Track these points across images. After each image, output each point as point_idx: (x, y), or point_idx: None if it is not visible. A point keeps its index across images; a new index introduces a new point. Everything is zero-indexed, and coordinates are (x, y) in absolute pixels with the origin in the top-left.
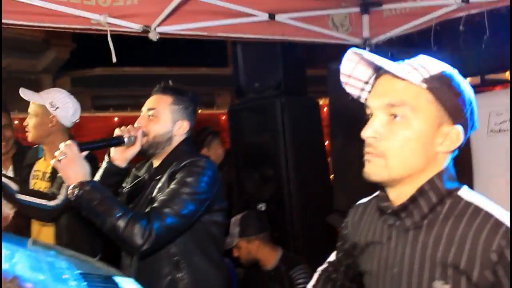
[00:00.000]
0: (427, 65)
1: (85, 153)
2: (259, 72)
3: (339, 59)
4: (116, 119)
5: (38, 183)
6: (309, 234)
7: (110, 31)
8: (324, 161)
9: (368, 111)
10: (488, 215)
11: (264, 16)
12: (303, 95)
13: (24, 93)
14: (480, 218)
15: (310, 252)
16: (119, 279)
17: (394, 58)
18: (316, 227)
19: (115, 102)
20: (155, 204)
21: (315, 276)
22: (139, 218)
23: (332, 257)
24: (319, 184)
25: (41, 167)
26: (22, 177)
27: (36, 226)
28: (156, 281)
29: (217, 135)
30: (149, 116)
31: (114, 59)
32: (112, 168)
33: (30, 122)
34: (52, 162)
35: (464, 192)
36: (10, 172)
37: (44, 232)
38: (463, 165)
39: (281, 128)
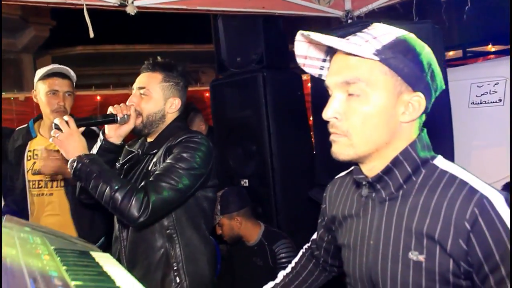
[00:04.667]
0: (380, 34)
1: (82, 129)
2: (241, 47)
3: (322, 32)
4: (98, 97)
5: (38, 162)
6: (292, 209)
7: (86, 5)
8: (307, 136)
9: (328, 90)
10: (463, 183)
11: None
12: (286, 69)
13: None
14: (454, 186)
15: (292, 226)
16: (96, 255)
17: None
18: (299, 202)
19: (97, 80)
20: (152, 178)
21: (300, 253)
22: (136, 191)
23: (315, 234)
24: (302, 159)
25: (40, 145)
26: (15, 159)
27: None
28: (150, 254)
29: (199, 112)
30: (141, 94)
31: (91, 35)
32: (106, 145)
33: (68, 101)
34: (51, 139)
35: (440, 161)
36: None
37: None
38: (444, 137)
39: (264, 102)
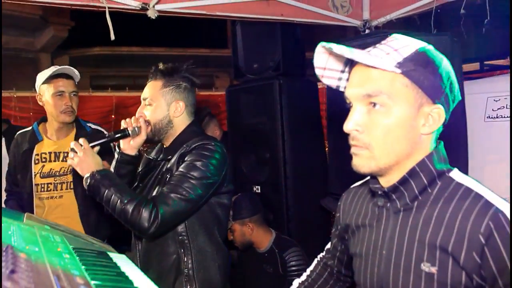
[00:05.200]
0: (400, 47)
1: (97, 148)
2: (258, 53)
3: (339, 42)
4: (114, 99)
5: (47, 165)
6: (303, 217)
7: (109, 8)
8: (321, 144)
9: (347, 101)
10: (478, 196)
11: None
12: (302, 77)
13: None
14: (470, 199)
15: (303, 235)
16: (113, 255)
17: None
18: (311, 210)
19: (113, 82)
20: (163, 189)
21: (315, 261)
22: (145, 203)
23: (329, 244)
24: (315, 167)
25: (48, 148)
26: (21, 164)
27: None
28: (163, 259)
29: (214, 117)
30: (146, 105)
31: (112, 37)
32: (123, 158)
33: (74, 101)
34: (68, 161)
35: (456, 174)
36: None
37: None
38: (458, 150)
39: (279, 109)
